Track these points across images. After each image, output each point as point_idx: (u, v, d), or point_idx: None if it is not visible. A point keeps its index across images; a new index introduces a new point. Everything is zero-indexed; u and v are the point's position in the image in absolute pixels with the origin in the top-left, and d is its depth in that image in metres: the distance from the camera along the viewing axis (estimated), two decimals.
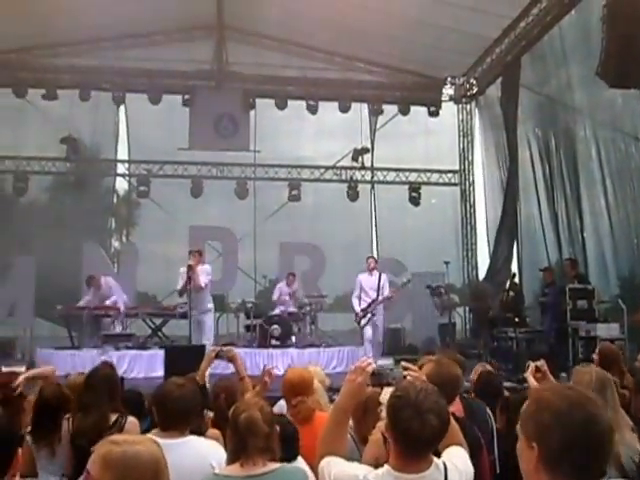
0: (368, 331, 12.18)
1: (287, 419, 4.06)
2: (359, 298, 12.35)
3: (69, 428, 4.40)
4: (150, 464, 2.20)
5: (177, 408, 3.54)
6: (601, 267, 12.18)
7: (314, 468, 3.13)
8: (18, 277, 14.05)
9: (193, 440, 3.55)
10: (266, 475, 3.01)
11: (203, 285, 11.19)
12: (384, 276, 12.42)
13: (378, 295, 12.15)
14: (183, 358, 9.19)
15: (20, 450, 2.26)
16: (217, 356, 5.06)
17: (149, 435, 3.47)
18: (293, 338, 13.14)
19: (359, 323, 12.31)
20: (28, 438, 4.40)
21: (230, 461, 3.09)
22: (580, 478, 1.85)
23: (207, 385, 5.01)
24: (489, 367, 6.16)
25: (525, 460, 1.98)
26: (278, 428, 3.22)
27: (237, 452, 3.05)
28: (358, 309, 12.28)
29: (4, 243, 12.91)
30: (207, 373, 5.09)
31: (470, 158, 17.22)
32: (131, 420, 4.43)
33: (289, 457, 3.44)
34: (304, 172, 16.37)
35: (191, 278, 10.75)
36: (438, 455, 2.76)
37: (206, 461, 3.21)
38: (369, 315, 12.13)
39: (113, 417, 4.37)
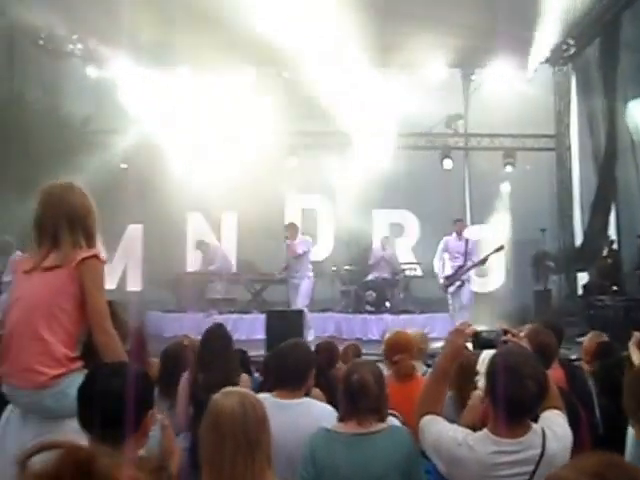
0: (458, 298, 11.79)
1: None
2: (442, 260, 11.97)
3: (189, 385, 4.76)
4: (248, 417, 2.42)
5: (295, 368, 3.76)
6: None
7: (410, 425, 3.28)
8: (127, 244, 14.69)
9: (308, 401, 3.77)
10: (376, 434, 3.18)
11: (300, 252, 11.61)
12: (472, 241, 12.02)
13: (466, 261, 11.76)
14: (282, 321, 9.68)
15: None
16: None
17: (266, 394, 3.77)
18: (387, 304, 13.30)
19: (446, 290, 11.95)
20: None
21: (341, 420, 3.29)
22: None
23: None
24: (604, 337, 6.03)
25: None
26: None
27: (349, 412, 3.24)
28: (440, 272, 11.94)
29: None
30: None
31: (567, 122, 16.76)
32: (244, 377, 4.77)
33: None
34: (398, 140, 16.20)
35: (289, 248, 11.48)
36: (537, 417, 2.86)
37: (320, 422, 3.35)
38: (458, 282, 11.77)
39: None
